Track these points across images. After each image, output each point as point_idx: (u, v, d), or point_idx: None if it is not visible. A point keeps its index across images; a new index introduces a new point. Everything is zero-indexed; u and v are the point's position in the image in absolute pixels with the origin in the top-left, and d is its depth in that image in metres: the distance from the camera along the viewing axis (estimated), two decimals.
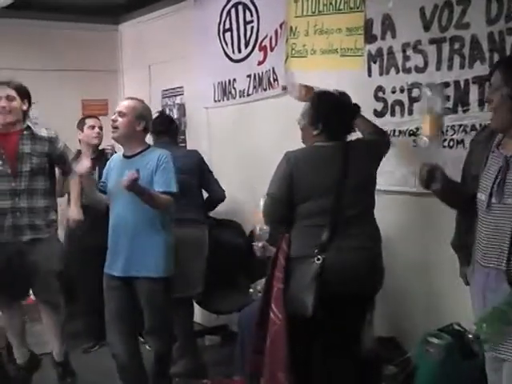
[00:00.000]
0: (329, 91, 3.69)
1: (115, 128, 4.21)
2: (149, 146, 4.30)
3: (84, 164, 4.19)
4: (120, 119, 4.18)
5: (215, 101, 5.85)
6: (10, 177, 4.51)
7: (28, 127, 4.62)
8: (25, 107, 4.68)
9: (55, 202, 4.81)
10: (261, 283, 4.37)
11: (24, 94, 4.68)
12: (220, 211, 5.11)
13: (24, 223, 4.56)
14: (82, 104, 6.93)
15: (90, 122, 5.69)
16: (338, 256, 3.42)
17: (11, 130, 4.61)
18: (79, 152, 5.47)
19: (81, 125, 5.69)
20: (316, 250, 3.41)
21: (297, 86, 4.27)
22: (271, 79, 5.20)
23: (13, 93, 4.61)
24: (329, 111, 3.58)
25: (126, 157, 4.28)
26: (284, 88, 4.88)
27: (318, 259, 3.39)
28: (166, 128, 5.16)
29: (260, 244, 4.13)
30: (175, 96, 6.34)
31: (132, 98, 4.37)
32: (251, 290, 4.46)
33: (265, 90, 5.29)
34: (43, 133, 4.64)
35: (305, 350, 3.57)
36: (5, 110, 4.57)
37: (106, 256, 4.31)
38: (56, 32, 6.75)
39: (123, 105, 4.26)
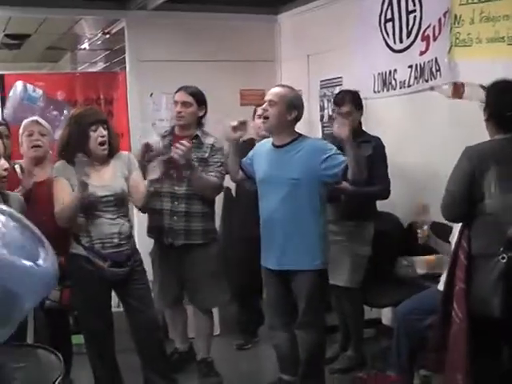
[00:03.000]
0: (506, 79, 3.48)
1: (266, 118, 4.14)
2: (299, 135, 4.19)
3: None
4: (271, 109, 4.10)
5: (375, 92, 5.74)
6: (173, 180, 4.60)
7: (196, 135, 4.67)
8: (200, 113, 4.71)
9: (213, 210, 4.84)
10: (412, 261, 4.28)
11: (201, 100, 4.72)
12: (378, 203, 5.03)
13: (180, 227, 4.64)
14: (240, 94, 7.02)
15: (259, 110, 5.14)
16: None
17: (183, 133, 4.70)
18: (248, 140, 5.47)
19: (253, 114, 5.48)
20: (501, 248, 3.24)
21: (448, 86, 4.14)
22: (433, 70, 5.05)
23: (189, 99, 4.66)
24: (497, 96, 3.41)
25: (275, 146, 4.21)
26: (432, 88, 4.75)
27: (503, 258, 3.22)
28: None
29: (423, 230, 4.07)
30: (333, 86, 6.27)
31: (282, 86, 4.29)
32: (400, 265, 4.35)
33: (426, 81, 5.13)
34: (209, 140, 4.67)
35: (487, 351, 3.44)
36: (179, 114, 4.66)
37: (261, 249, 4.32)
38: (216, 23, 6.86)
39: (273, 93, 4.16)
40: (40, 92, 6.30)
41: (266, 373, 4.90)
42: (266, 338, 5.02)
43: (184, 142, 4.38)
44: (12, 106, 6.18)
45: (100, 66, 9.65)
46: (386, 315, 5.66)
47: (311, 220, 4.09)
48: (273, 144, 4.24)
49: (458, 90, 3.99)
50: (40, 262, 1.41)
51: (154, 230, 4.78)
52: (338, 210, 4.64)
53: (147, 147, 4.44)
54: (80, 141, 4.10)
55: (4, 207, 1.40)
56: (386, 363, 4.48)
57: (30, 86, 6.28)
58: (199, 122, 4.75)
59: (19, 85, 6.24)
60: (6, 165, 3.48)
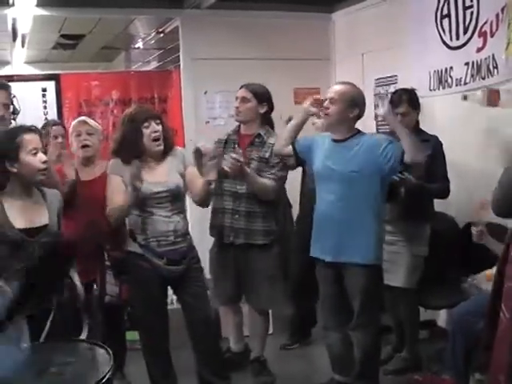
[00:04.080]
0: None
1: (326, 115, 4.12)
2: (358, 131, 4.18)
3: None
4: (332, 106, 4.07)
5: (430, 90, 5.65)
6: (236, 178, 4.56)
7: (259, 134, 4.64)
8: (261, 110, 4.65)
9: (275, 211, 4.79)
10: (478, 278, 4.21)
11: (263, 97, 4.66)
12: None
13: (240, 226, 4.60)
14: (294, 92, 6.99)
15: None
16: None
17: (246, 131, 4.69)
18: None
19: None
20: None
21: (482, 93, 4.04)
22: (490, 67, 4.94)
23: (249, 95, 4.62)
24: None
25: (335, 141, 4.19)
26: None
27: None
28: None
29: (478, 228, 3.97)
30: (388, 85, 6.22)
31: (344, 83, 4.24)
32: (466, 286, 4.29)
33: (483, 78, 5.03)
34: (272, 140, 4.61)
35: None
36: (237, 110, 4.64)
37: (313, 240, 4.30)
38: (270, 21, 6.87)
39: (335, 90, 4.14)
40: None
41: (319, 373, 4.85)
42: (320, 337, 5.00)
43: (236, 156, 4.37)
44: None
45: (153, 65, 9.71)
46: (442, 317, 5.59)
47: (367, 214, 4.07)
48: (332, 139, 4.22)
49: (492, 98, 3.90)
50: None
51: (215, 229, 4.75)
52: (396, 210, 4.59)
53: (198, 153, 4.30)
54: (134, 139, 4.11)
55: None
56: (442, 366, 4.42)
57: None
58: (264, 121, 4.69)
59: None
60: (44, 157, 3.52)
